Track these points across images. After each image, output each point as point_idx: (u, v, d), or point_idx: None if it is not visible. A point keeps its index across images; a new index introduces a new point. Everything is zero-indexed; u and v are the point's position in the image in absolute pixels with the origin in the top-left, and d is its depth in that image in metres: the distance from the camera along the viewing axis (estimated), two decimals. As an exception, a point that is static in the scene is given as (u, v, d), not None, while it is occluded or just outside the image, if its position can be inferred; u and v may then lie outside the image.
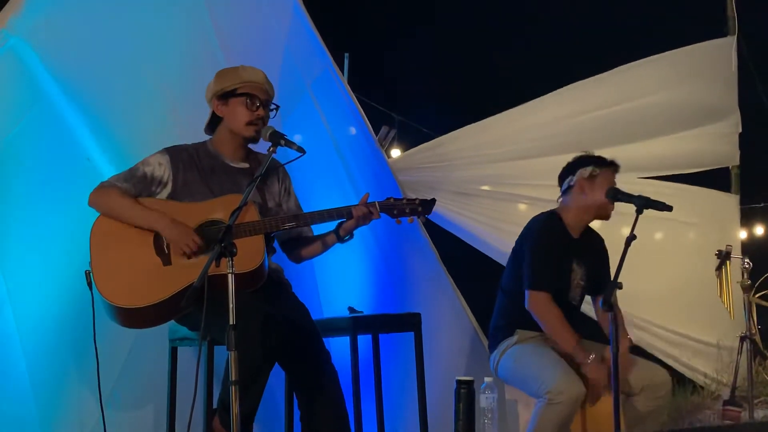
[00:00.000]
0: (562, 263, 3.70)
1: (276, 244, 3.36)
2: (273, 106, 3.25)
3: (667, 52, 5.46)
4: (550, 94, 5.23)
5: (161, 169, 3.16)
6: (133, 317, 3.00)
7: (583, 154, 3.79)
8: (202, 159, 3.23)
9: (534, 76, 6.74)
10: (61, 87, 3.68)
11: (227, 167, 3.24)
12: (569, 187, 3.75)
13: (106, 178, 3.17)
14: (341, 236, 3.22)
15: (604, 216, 3.75)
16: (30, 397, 3.48)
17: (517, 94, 5.27)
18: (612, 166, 3.73)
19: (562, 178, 3.80)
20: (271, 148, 3.02)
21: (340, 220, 3.20)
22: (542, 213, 3.83)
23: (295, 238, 3.33)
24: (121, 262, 3.01)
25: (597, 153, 3.81)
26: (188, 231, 3.03)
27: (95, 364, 3.09)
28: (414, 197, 3.27)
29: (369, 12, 7.45)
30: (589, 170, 3.70)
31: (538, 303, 3.59)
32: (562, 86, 5.24)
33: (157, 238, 3.05)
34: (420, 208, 3.20)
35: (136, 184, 3.12)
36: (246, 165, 3.27)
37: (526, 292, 3.61)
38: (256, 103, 3.18)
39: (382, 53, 7.14)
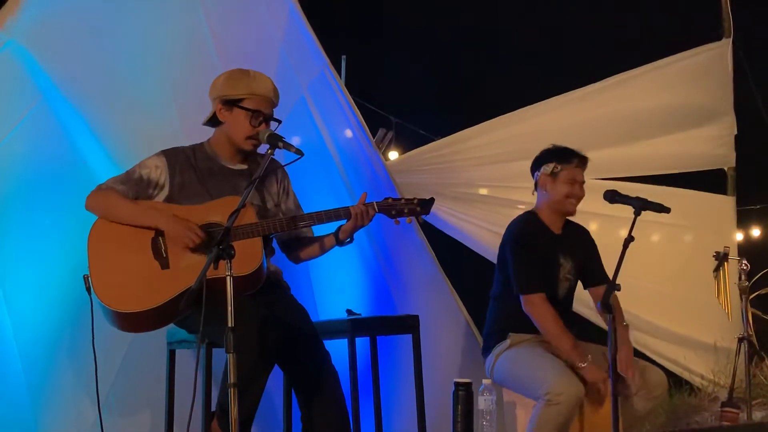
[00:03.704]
0: (548, 260, 3.68)
1: (275, 244, 3.34)
2: (275, 123, 3.22)
3: (663, 59, 5.48)
4: (549, 99, 5.24)
5: (158, 171, 3.15)
6: (131, 321, 2.98)
7: (550, 147, 3.74)
8: (200, 161, 3.21)
9: (533, 81, 6.75)
10: (58, 89, 3.68)
11: (225, 169, 3.22)
12: (535, 184, 3.73)
13: (102, 181, 3.16)
14: (341, 239, 3.21)
15: (566, 212, 3.71)
16: (26, 401, 3.47)
17: (517, 98, 5.28)
18: (574, 161, 3.67)
19: (531, 172, 3.77)
20: (269, 151, 3.00)
21: (339, 223, 3.18)
22: (520, 215, 3.81)
23: (294, 238, 3.32)
24: (119, 267, 2.99)
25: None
26: (190, 224, 3.00)
27: (92, 368, 3.07)
28: (412, 197, 3.23)
29: (366, 14, 7.44)
30: (551, 167, 3.67)
31: (534, 305, 3.56)
32: (559, 92, 5.26)
33: (155, 242, 3.03)
34: (418, 208, 3.18)
35: (133, 187, 3.11)
36: (244, 167, 3.25)
37: (521, 297, 3.58)
38: (259, 119, 3.15)
39: (380, 55, 7.13)
